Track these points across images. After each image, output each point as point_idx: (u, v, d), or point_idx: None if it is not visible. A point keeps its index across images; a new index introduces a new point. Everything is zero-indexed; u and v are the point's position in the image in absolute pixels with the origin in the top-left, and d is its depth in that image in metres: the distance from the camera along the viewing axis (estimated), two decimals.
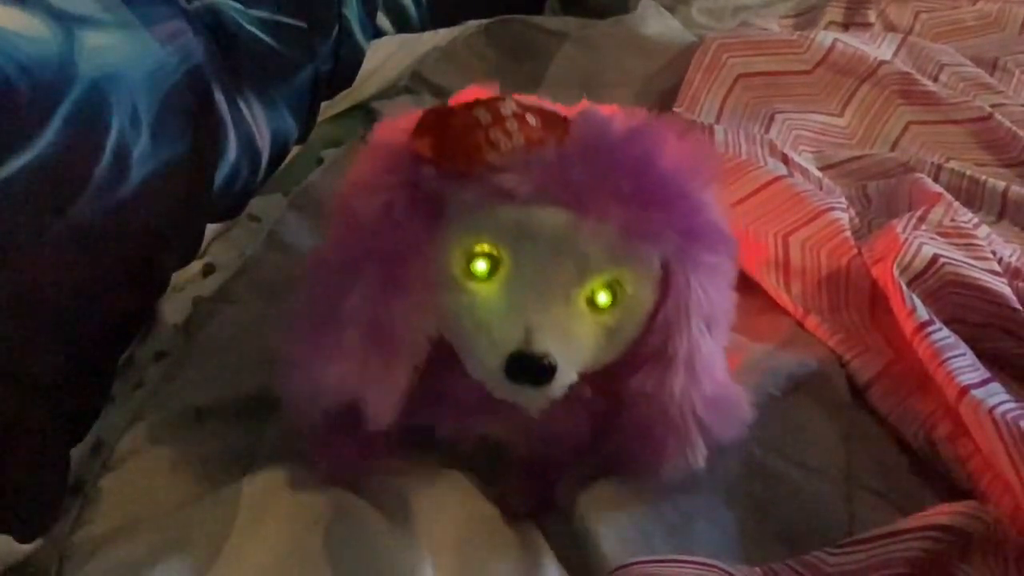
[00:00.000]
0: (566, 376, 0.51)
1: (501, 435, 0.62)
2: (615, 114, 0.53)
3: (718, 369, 0.57)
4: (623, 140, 0.51)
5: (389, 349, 0.53)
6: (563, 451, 0.62)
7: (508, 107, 0.50)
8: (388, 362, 0.53)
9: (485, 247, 0.51)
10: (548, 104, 0.56)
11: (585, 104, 0.55)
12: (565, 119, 0.51)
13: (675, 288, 0.54)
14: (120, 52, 0.70)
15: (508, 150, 0.49)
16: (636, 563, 0.55)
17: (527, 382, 0.50)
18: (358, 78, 1.08)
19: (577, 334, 0.52)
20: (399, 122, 0.54)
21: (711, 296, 0.55)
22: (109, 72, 0.68)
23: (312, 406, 0.54)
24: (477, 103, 0.51)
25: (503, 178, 0.49)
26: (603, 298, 0.52)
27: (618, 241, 0.50)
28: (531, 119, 0.50)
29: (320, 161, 1.01)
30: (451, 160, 0.50)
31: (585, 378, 0.54)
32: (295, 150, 0.99)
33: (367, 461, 0.62)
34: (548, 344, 0.50)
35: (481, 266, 0.51)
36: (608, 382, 0.57)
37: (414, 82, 1.14)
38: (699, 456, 0.58)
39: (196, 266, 0.82)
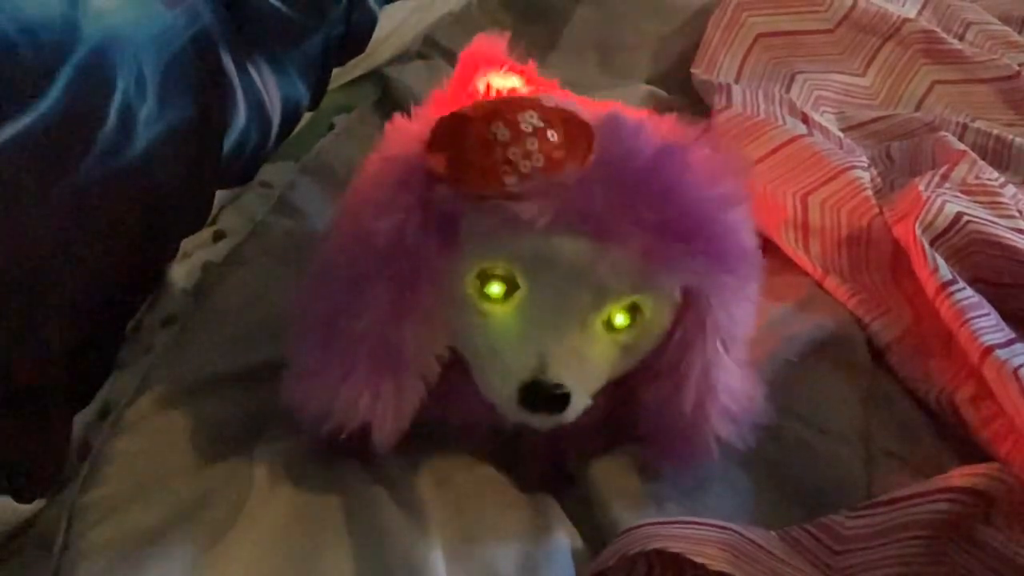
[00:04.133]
0: (580, 403, 0.51)
1: (512, 428, 0.61)
2: (643, 125, 0.50)
3: (735, 379, 0.56)
4: (649, 164, 0.48)
5: (400, 374, 0.52)
6: (576, 433, 0.61)
7: (528, 120, 0.47)
8: (399, 387, 0.53)
9: (500, 270, 0.50)
10: (572, 99, 0.54)
11: (611, 108, 0.52)
12: (590, 131, 0.48)
13: (694, 308, 0.52)
14: (125, 14, 0.69)
15: (527, 172, 0.46)
16: (646, 524, 0.55)
17: (541, 411, 0.50)
18: (371, 44, 1.07)
19: (592, 359, 0.51)
20: (412, 126, 0.52)
21: (732, 316, 0.53)
22: (114, 34, 0.67)
23: (322, 427, 0.54)
24: (496, 112, 0.48)
25: (521, 207, 0.47)
26: (620, 320, 0.51)
27: (639, 270, 0.49)
28: (552, 135, 0.47)
29: (332, 127, 1.00)
30: (467, 182, 0.48)
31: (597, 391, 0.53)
32: (306, 117, 0.98)
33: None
34: (563, 372, 0.49)
35: (496, 289, 0.50)
36: (620, 387, 0.56)
37: (427, 47, 1.13)
38: (712, 459, 0.58)
39: (206, 233, 0.82)
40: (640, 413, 0.57)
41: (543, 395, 0.49)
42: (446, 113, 0.49)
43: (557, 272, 0.49)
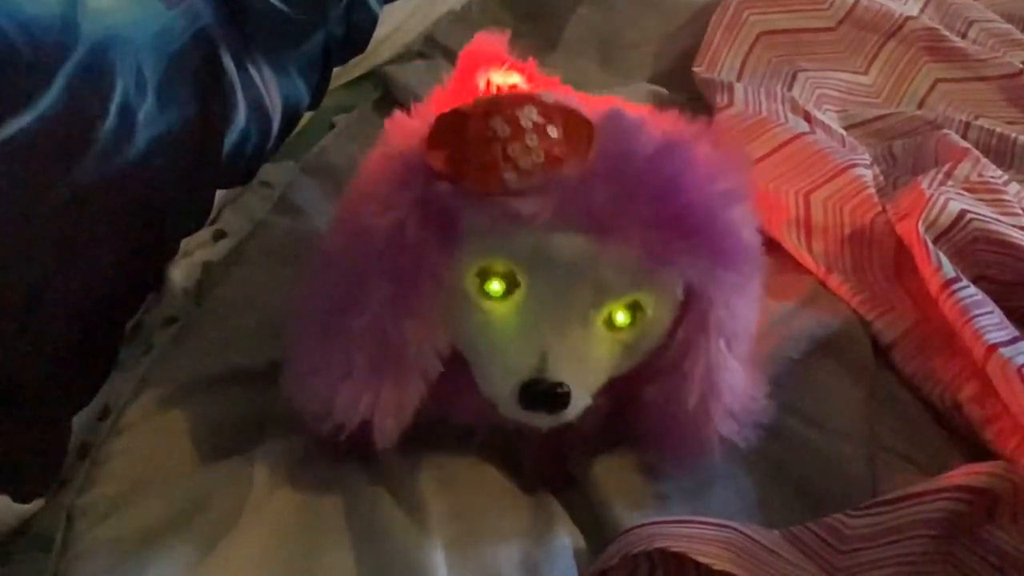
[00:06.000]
0: (580, 401, 0.50)
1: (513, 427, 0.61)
2: (644, 121, 0.50)
3: (738, 378, 0.56)
4: (650, 160, 0.48)
5: (401, 372, 0.52)
6: (578, 434, 0.61)
7: (528, 116, 0.47)
8: (400, 384, 0.52)
9: (500, 267, 0.49)
10: (573, 95, 0.53)
11: (613, 103, 0.52)
12: (590, 127, 0.48)
13: (696, 307, 0.52)
14: (125, 13, 0.69)
15: (527, 168, 0.46)
16: (649, 523, 0.54)
17: (541, 410, 0.49)
18: (371, 43, 1.06)
19: (593, 357, 0.51)
20: (412, 123, 0.52)
21: (734, 314, 0.53)
22: (113, 33, 0.67)
23: (323, 424, 0.54)
24: (495, 108, 0.47)
25: (521, 203, 0.47)
26: (621, 318, 0.51)
27: (639, 266, 0.48)
28: (552, 131, 0.47)
29: (332, 127, 1.00)
30: (467, 179, 0.47)
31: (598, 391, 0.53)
32: (307, 117, 0.98)
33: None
34: (563, 371, 0.49)
35: (496, 286, 0.50)
36: (622, 386, 0.56)
37: (427, 47, 1.13)
38: (715, 458, 0.58)
39: (206, 232, 0.82)
40: (642, 412, 0.57)
41: (543, 394, 0.48)
42: (446, 110, 0.49)
43: (557, 269, 0.48)
